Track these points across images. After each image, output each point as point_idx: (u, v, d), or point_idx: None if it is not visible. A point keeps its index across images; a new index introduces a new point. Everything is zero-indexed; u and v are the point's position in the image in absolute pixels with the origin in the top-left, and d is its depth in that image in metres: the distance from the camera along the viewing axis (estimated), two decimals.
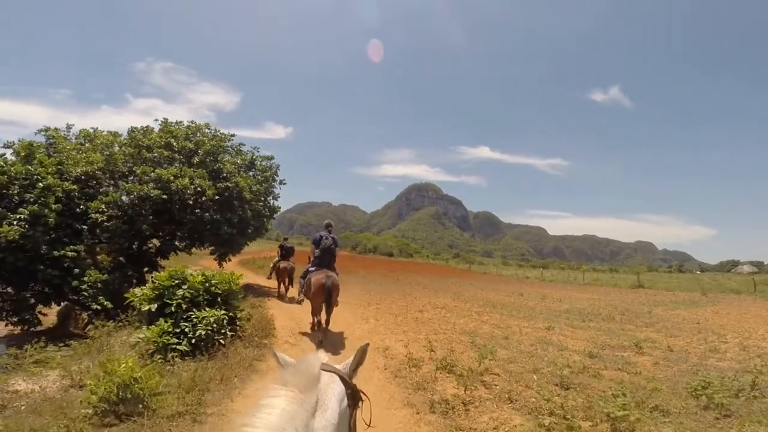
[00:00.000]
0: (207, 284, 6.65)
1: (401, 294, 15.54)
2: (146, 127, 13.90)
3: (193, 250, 14.28)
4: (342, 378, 1.11)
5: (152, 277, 6.68)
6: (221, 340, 6.09)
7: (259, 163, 15.24)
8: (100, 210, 10.51)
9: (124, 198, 10.95)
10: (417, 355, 6.14)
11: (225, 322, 6.30)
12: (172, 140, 13.20)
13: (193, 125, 14.83)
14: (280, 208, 16.06)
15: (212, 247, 12.93)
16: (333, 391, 1.04)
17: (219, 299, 6.66)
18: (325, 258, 7.19)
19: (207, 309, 6.33)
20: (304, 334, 7.57)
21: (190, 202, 11.62)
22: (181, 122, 14.65)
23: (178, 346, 5.81)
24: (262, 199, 14.69)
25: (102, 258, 13.05)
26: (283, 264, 12.01)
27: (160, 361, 5.46)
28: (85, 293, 9.51)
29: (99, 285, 9.74)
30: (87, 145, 13.09)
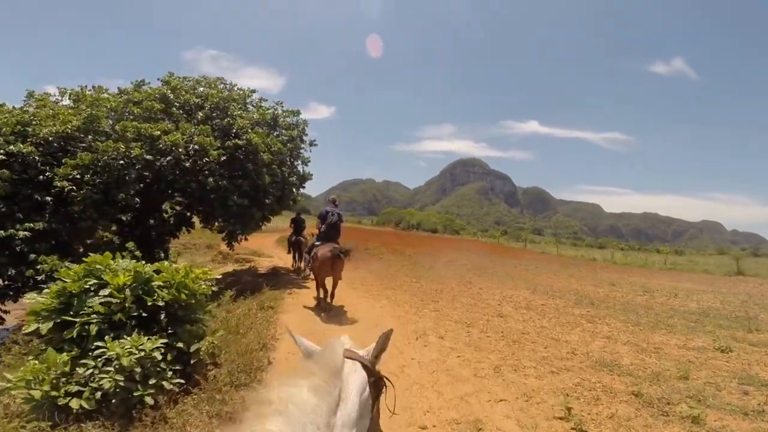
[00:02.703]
0: (140, 289, 3.65)
1: (461, 282, 12.13)
2: (141, 80, 11.28)
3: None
4: (365, 366, 1.00)
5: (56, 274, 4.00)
6: (148, 397, 3.10)
7: (282, 119, 12.18)
8: (70, 177, 7.96)
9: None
10: None
11: (161, 361, 3.29)
12: (169, 93, 10.47)
13: (203, 79, 12.07)
14: (311, 175, 12.99)
15: (223, 224, 10.14)
16: (355, 381, 0.95)
17: (162, 316, 3.66)
18: (331, 233, 7.19)
19: (136, 335, 3.37)
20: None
21: (187, 165, 8.82)
22: (189, 77, 11.93)
23: (70, 403, 3.00)
24: (288, 161, 11.69)
25: (101, 236, 10.86)
26: (293, 237, 12.05)
27: None
28: (43, 286, 7.07)
29: None
30: (82, 107, 10.77)
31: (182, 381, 3.44)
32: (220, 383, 3.62)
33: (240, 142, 9.62)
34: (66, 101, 10.57)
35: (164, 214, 11.47)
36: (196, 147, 8.79)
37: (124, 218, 10.67)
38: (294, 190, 12.26)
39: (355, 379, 0.95)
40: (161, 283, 3.79)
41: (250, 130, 10.12)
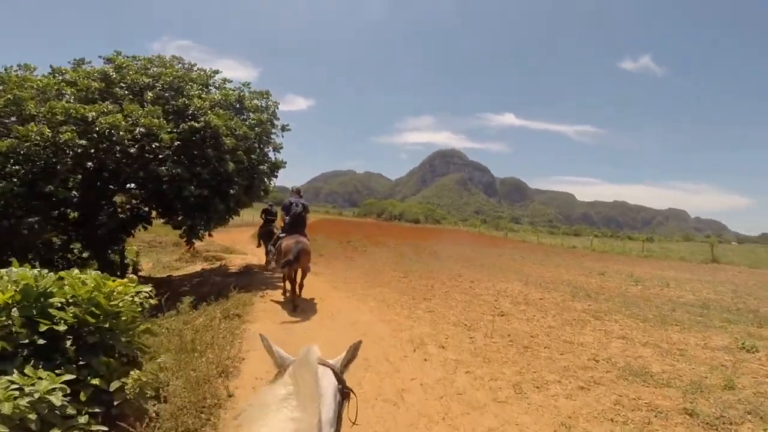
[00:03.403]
0: (33, 308, 2.57)
1: (450, 276, 11.33)
2: (80, 59, 9.76)
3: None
4: (335, 373, 1.05)
5: None
6: None
7: (249, 101, 10.89)
8: None
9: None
10: None
11: (67, 404, 2.27)
12: (113, 72, 9.03)
13: (157, 58, 10.57)
14: (285, 163, 11.78)
15: (181, 218, 8.84)
16: (329, 386, 0.99)
17: (69, 344, 2.61)
18: (295, 224, 6.99)
19: (30, 369, 2.33)
20: None
21: (132, 151, 7.55)
22: (139, 56, 10.43)
23: None
24: (257, 147, 10.47)
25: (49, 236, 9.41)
26: (265, 229, 11.29)
27: None
28: None
29: None
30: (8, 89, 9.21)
31: (104, 428, 2.42)
32: (159, 429, 2.60)
33: (197, 125, 8.34)
34: None
35: (118, 209, 10.10)
36: (142, 130, 7.51)
37: (70, 215, 9.30)
38: (265, 179, 11.07)
39: (329, 383, 0.99)
40: (65, 300, 2.71)
41: (209, 112, 8.84)
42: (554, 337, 5.51)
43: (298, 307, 6.47)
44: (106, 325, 2.63)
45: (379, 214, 67.58)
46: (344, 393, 1.06)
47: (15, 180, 6.45)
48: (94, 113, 7.11)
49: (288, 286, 7.01)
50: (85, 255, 9.76)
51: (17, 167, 6.58)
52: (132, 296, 3.12)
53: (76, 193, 7.38)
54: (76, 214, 9.06)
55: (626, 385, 3.94)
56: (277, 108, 11.33)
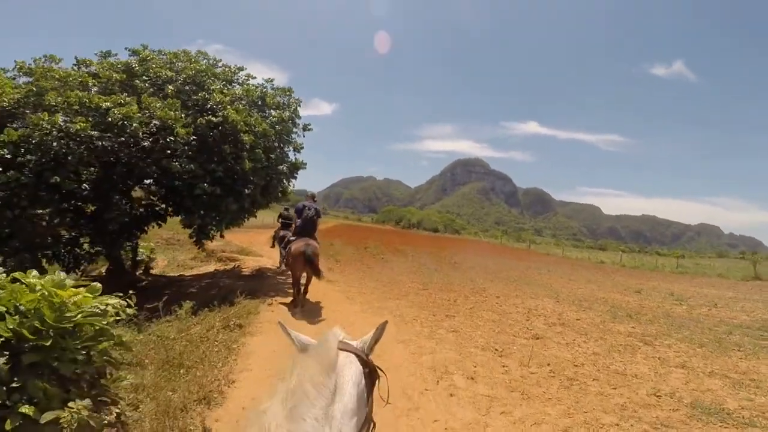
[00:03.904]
0: None
1: (474, 290, 10.55)
2: (107, 51, 9.63)
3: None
4: (359, 357, 1.00)
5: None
6: None
7: (270, 99, 10.52)
8: None
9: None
10: None
11: None
12: (136, 64, 8.84)
13: (183, 53, 10.38)
14: (305, 164, 11.32)
15: (191, 216, 8.41)
16: (350, 372, 0.94)
17: (2, 361, 2.06)
18: (306, 228, 6.97)
19: None
20: None
21: (146, 144, 7.21)
22: (165, 51, 10.26)
23: None
24: (276, 146, 10.06)
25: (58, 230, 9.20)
26: (281, 233, 11.40)
27: None
28: None
29: None
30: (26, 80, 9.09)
31: None
32: None
33: (214, 120, 7.98)
34: (24, 78, 8.97)
35: (133, 205, 9.85)
36: (158, 123, 7.17)
37: (87, 209, 9.08)
38: (284, 180, 10.63)
39: (351, 370, 0.94)
40: (13, 308, 2.18)
41: (228, 106, 8.47)
42: (602, 366, 4.71)
43: (303, 309, 6.46)
44: (47, 344, 2.07)
45: (397, 222, 66.90)
46: (372, 376, 1.02)
47: (25, 170, 6.20)
48: (109, 104, 6.83)
49: (296, 290, 6.93)
50: (93, 250, 9.51)
51: (29, 157, 6.32)
52: (104, 306, 2.57)
53: (87, 186, 7.09)
54: (93, 207, 8.83)
55: (701, 426, 3.17)
56: (299, 106, 10.93)
